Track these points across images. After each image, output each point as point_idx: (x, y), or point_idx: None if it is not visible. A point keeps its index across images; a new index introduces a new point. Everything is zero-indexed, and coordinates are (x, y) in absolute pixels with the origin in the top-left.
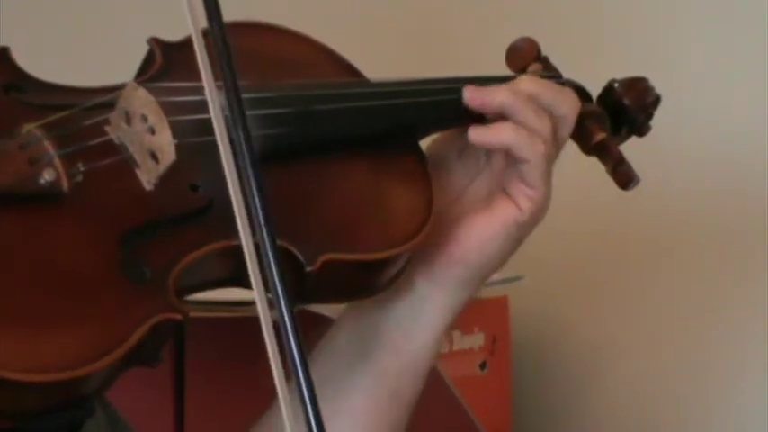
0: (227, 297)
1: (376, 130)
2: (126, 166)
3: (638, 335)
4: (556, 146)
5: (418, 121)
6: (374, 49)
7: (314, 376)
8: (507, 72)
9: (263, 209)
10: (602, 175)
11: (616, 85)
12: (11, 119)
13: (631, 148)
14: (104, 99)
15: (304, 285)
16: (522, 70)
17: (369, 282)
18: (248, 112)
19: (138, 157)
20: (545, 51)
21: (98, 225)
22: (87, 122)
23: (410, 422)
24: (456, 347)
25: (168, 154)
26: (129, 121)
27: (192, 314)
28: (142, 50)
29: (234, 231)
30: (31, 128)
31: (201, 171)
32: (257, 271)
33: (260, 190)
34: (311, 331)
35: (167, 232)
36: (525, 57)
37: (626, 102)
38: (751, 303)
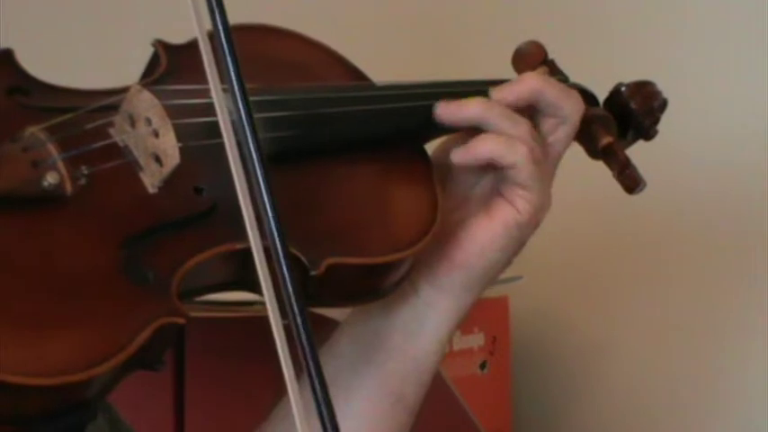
0: (228, 297)
1: (382, 134)
2: (130, 169)
3: (638, 335)
4: (543, 144)
5: (424, 125)
6: (381, 52)
7: None
8: (515, 76)
9: (274, 212)
10: (602, 175)
11: (623, 88)
12: (14, 121)
13: (630, 148)
14: (108, 102)
15: (308, 289)
16: None
17: (373, 286)
18: (255, 115)
19: (141, 160)
20: (552, 55)
21: (101, 228)
22: (91, 125)
23: (414, 426)
24: (456, 347)
25: (172, 157)
26: (133, 123)
27: (192, 314)
28: (147, 53)
29: (238, 234)
30: (34, 130)
31: (206, 174)
32: (267, 274)
33: (269, 193)
34: (315, 334)
35: (171, 235)
36: (532, 60)
37: (633, 105)
38: (752, 303)
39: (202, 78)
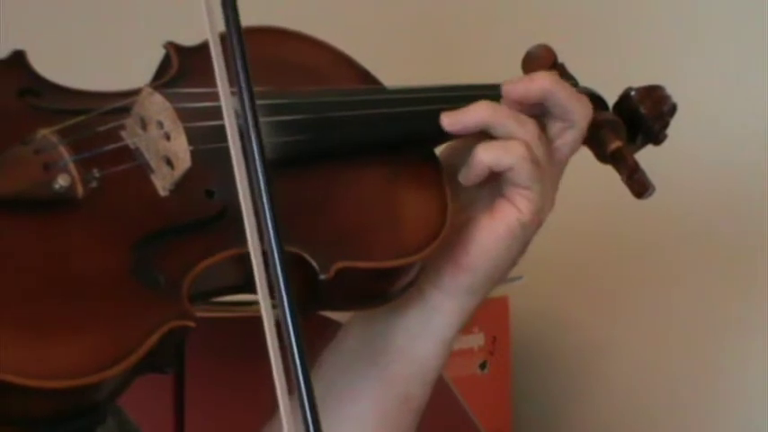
0: (227, 297)
1: (392, 138)
2: (141, 171)
3: (637, 334)
4: (546, 144)
5: (434, 129)
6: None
7: (322, 380)
8: None
9: (273, 217)
10: (602, 175)
11: (632, 93)
12: (26, 123)
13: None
14: (120, 104)
15: (317, 293)
16: None
17: (382, 290)
18: (264, 119)
19: (153, 163)
20: (561, 58)
21: (112, 231)
22: (103, 128)
23: (418, 429)
24: (456, 347)
25: (183, 160)
26: (144, 126)
27: None
28: (158, 54)
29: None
30: (46, 133)
31: (217, 177)
32: (263, 279)
33: (270, 198)
34: (320, 335)
35: (182, 238)
36: (541, 64)
37: (642, 110)
38: (751, 303)
39: (214, 81)
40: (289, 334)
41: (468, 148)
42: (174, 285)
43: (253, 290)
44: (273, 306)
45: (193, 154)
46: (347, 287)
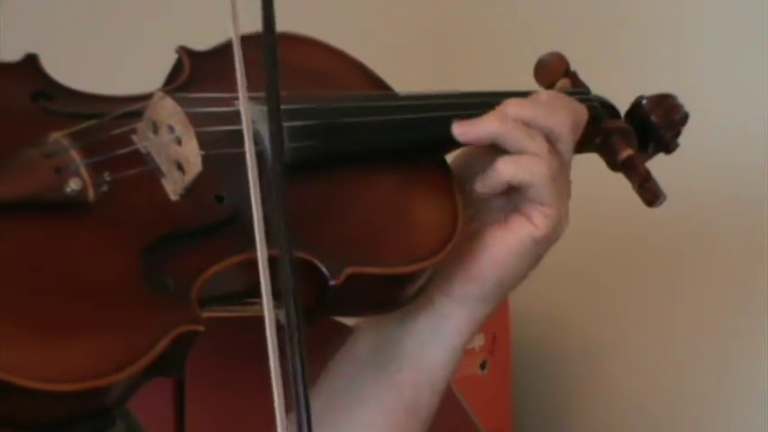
0: None
1: (403, 144)
2: (152, 176)
3: (637, 335)
4: (559, 158)
5: (445, 136)
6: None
7: (331, 386)
8: (535, 86)
9: (286, 224)
10: (602, 176)
11: (644, 101)
12: (38, 127)
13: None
14: (132, 108)
15: (327, 298)
16: (550, 85)
17: (392, 296)
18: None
19: (164, 168)
20: (574, 67)
21: (122, 235)
22: (114, 132)
23: None
24: None
25: (194, 165)
26: (156, 130)
27: None
28: (171, 59)
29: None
30: (57, 136)
31: (227, 183)
32: (269, 286)
33: (282, 205)
34: (330, 340)
35: (192, 243)
36: (554, 72)
37: (653, 118)
38: (754, 303)
39: (225, 86)
40: (292, 343)
41: (481, 156)
42: (183, 290)
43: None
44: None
45: (204, 159)
46: (357, 293)
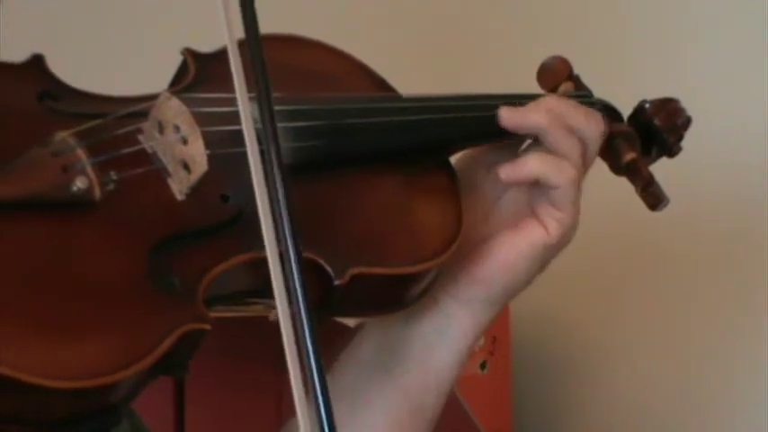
0: None
1: (407, 145)
2: (158, 175)
3: (637, 335)
4: (584, 167)
5: (449, 137)
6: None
7: (336, 387)
8: (537, 89)
9: (291, 221)
10: (602, 177)
11: (647, 105)
12: (45, 127)
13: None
14: (137, 108)
15: (332, 298)
16: (553, 89)
17: (396, 296)
18: (280, 125)
19: (170, 167)
20: (577, 70)
21: (129, 234)
22: (120, 131)
23: None
24: None
25: (200, 164)
26: (161, 130)
27: None
28: (176, 61)
29: (263, 243)
30: (64, 135)
31: (232, 182)
32: (281, 283)
33: (288, 202)
34: (335, 341)
35: (197, 242)
36: (557, 75)
37: (656, 122)
38: (754, 303)
39: (231, 87)
40: (305, 339)
41: (486, 156)
42: (189, 289)
43: (268, 294)
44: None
45: (210, 158)
46: (362, 293)
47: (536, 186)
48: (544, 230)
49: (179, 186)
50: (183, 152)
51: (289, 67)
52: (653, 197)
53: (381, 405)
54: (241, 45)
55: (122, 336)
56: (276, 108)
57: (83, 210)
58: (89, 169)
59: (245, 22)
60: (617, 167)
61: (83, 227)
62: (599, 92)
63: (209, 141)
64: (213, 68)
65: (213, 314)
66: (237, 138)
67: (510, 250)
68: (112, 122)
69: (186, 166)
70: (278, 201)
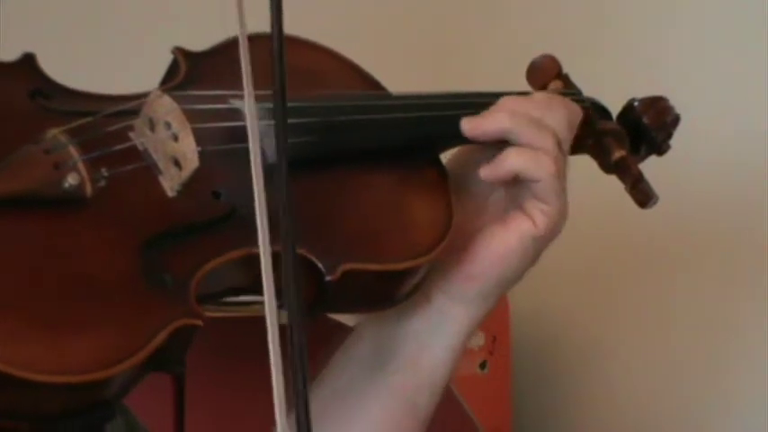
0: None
1: (398, 142)
2: (149, 172)
3: (638, 334)
4: (564, 157)
5: (439, 135)
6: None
7: (330, 385)
8: (527, 87)
9: (289, 220)
10: (601, 177)
11: (636, 103)
12: (36, 124)
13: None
14: (129, 106)
15: (323, 295)
16: (542, 87)
17: (388, 293)
18: (272, 122)
19: (161, 164)
20: (566, 69)
21: (120, 230)
22: (111, 128)
23: None
24: None
25: (191, 161)
26: (152, 127)
27: None
28: (167, 60)
29: (255, 240)
30: (55, 133)
31: (224, 179)
32: (271, 281)
33: (288, 201)
34: (329, 340)
35: (189, 239)
36: (546, 74)
37: (645, 120)
38: (753, 302)
39: (221, 85)
40: (294, 338)
41: (476, 154)
42: (181, 285)
43: (261, 291)
44: (280, 307)
45: (201, 155)
46: (353, 289)
47: (520, 181)
48: (531, 223)
49: (170, 183)
50: (173, 149)
51: None
52: (642, 194)
53: (376, 402)
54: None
55: (115, 331)
56: (268, 106)
57: (75, 207)
58: (80, 166)
59: (272, 18)
60: (606, 166)
61: (75, 223)
62: (588, 90)
63: (199, 138)
64: (204, 67)
65: (213, 315)
66: (229, 134)
67: (500, 244)
68: (104, 120)
69: (177, 163)
70: (277, 198)
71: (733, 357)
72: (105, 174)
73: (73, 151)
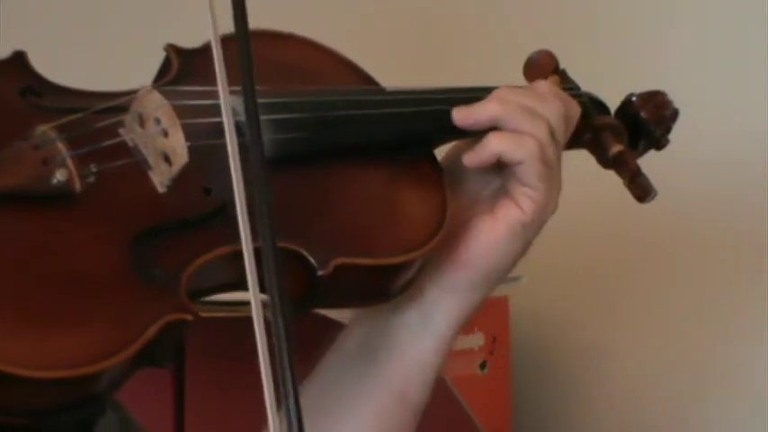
0: (227, 297)
1: (391, 138)
2: (139, 168)
3: (638, 335)
4: (556, 146)
5: (434, 130)
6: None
7: (323, 379)
8: (524, 83)
9: (268, 214)
10: (601, 176)
11: (634, 98)
12: (27, 121)
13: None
14: (119, 102)
15: (316, 289)
16: None
17: (382, 287)
18: (264, 117)
19: (151, 160)
20: (563, 64)
21: (111, 225)
22: (101, 124)
23: (418, 429)
24: (456, 347)
25: (181, 156)
26: (142, 123)
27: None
28: (160, 57)
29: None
30: (45, 129)
31: (214, 175)
32: (255, 277)
33: (265, 195)
34: (322, 335)
35: (180, 234)
36: (543, 69)
37: (643, 115)
38: (753, 304)
39: (213, 81)
40: (279, 333)
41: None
42: (172, 280)
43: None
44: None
45: (191, 150)
46: (346, 284)
47: (506, 168)
48: (519, 210)
49: (160, 179)
50: (163, 144)
51: (272, 62)
52: (641, 189)
53: (367, 395)
54: (226, 40)
55: (105, 326)
56: (260, 100)
57: (64, 202)
58: (69, 162)
59: (235, 15)
60: (605, 160)
61: (64, 219)
62: (588, 86)
63: (189, 133)
64: (196, 64)
65: (213, 315)
66: (219, 130)
67: (489, 233)
68: (93, 116)
69: (167, 159)
70: (256, 193)
71: (732, 357)
72: (94, 169)
73: (61, 147)
